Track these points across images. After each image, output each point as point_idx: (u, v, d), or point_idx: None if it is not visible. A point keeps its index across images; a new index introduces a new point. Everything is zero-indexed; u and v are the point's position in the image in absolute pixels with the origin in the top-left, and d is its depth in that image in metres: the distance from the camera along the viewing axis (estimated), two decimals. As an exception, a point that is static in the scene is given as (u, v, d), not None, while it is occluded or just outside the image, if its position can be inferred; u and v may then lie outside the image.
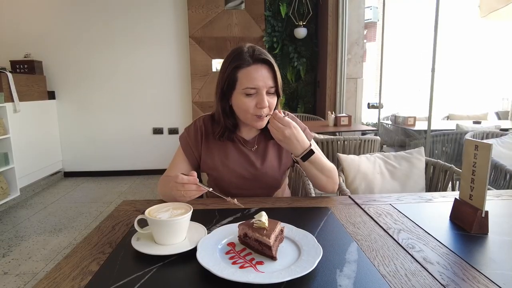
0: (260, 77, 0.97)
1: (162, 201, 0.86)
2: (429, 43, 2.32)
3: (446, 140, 2.79)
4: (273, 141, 1.12)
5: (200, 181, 1.16)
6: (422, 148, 1.54)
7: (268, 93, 0.99)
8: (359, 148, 2.26)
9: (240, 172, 1.08)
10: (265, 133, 1.11)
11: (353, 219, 0.86)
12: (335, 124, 3.21)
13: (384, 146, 3.72)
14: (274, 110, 1.08)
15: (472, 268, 0.61)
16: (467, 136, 2.44)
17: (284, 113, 1.15)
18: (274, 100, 1.02)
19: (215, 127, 1.09)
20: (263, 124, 1.02)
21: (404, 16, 7.64)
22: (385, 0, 3.34)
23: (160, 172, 1.10)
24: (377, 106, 3.70)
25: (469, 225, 0.77)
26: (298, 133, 0.93)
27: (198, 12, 3.92)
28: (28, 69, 3.65)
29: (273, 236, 0.64)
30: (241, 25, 4.00)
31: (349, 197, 1.04)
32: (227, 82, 1.00)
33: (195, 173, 0.86)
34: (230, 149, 1.10)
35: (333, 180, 1.04)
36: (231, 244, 0.70)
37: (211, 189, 0.86)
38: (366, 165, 1.49)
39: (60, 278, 0.60)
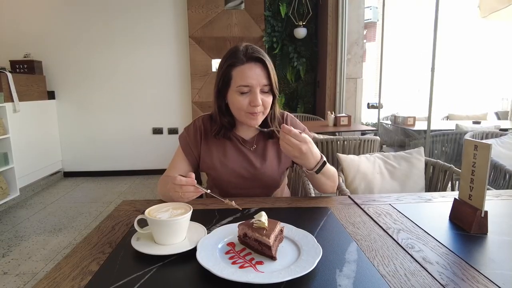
0: (253, 75, 0.97)
1: (162, 201, 0.86)
2: (428, 43, 2.32)
3: (445, 140, 2.79)
4: (272, 141, 1.12)
5: (200, 181, 1.16)
6: (422, 148, 1.54)
7: (262, 91, 1.00)
8: (359, 148, 2.27)
9: (239, 171, 1.08)
10: (265, 133, 1.11)
11: (352, 219, 0.86)
12: (335, 124, 3.22)
13: (384, 146, 3.72)
14: (275, 116, 1.09)
15: (472, 268, 0.62)
16: (467, 136, 2.44)
17: (283, 114, 1.16)
18: (269, 99, 1.02)
19: (214, 126, 1.10)
20: (257, 122, 1.02)
21: (404, 16, 7.64)
22: (385, 0, 3.34)
23: (160, 172, 1.10)
24: (377, 106, 3.71)
25: (468, 225, 0.77)
26: (313, 147, 0.91)
27: (198, 12, 3.92)
28: (27, 69, 3.65)
29: (272, 236, 0.64)
30: (241, 25, 4.00)
31: (349, 197, 1.04)
32: (222, 80, 1.02)
33: (193, 175, 0.86)
34: (229, 149, 1.10)
35: (335, 183, 1.05)
36: (231, 244, 0.70)
37: (209, 190, 0.86)
38: (366, 165, 1.49)
39: (60, 278, 0.60)
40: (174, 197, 0.85)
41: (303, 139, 0.87)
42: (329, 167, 1.00)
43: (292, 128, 0.86)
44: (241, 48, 1.01)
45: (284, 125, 0.87)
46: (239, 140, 1.11)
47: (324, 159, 0.95)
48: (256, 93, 0.98)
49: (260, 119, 1.03)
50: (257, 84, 0.98)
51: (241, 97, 0.99)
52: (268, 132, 1.10)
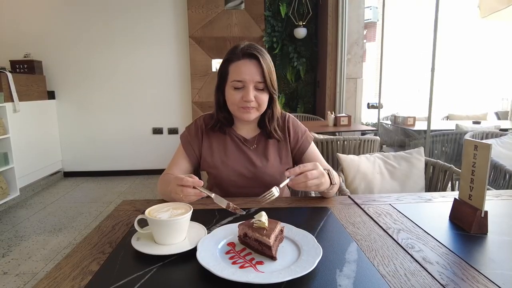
0: (247, 71, 0.99)
1: (162, 201, 0.86)
2: (428, 43, 2.32)
3: (445, 140, 2.79)
4: (272, 140, 1.13)
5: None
6: (422, 148, 1.54)
7: (257, 88, 1.01)
8: (359, 148, 2.26)
9: (240, 170, 1.09)
10: (265, 133, 1.12)
11: (352, 219, 0.86)
12: (335, 124, 3.22)
13: (384, 146, 3.73)
14: (274, 116, 1.09)
15: (472, 268, 0.62)
16: (467, 136, 2.44)
17: (284, 116, 1.16)
18: (263, 96, 1.03)
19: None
20: (249, 116, 1.03)
21: (404, 16, 7.64)
22: (385, 0, 3.34)
23: (160, 172, 1.11)
24: (377, 106, 3.71)
25: (468, 225, 0.77)
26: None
27: (198, 12, 3.92)
28: (28, 69, 3.65)
29: (273, 236, 0.64)
30: (241, 25, 4.00)
31: (349, 197, 1.04)
32: (219, 75, 1.06)
33: (196, 177, 0.86)
34: (230, 147, 1.11)
35: (338, 185, 1.06)
36: (231, 244, 0.70)
37: (213, 195, 0.84)
38: (366, 165, 1.49)
39: (60, 278, 0.60)
40: (176, 198, 0.85)
41: (314, 165, 0.86)
42: (334, 173, 1.01)
43: (299, 166, 0.84)
44: (241, 45, 1.03)
45: (290, 170, 0.85)
46: (240, 139, 1.12)
47: (328, 168, 0.96)
48: (248, 89, 1.00)
49: (254, 114, 1.04)
50: (251, 80, 0.99)
51: (235, 92, 1.01)
52: (268, 134, 1.11)
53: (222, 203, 0.83)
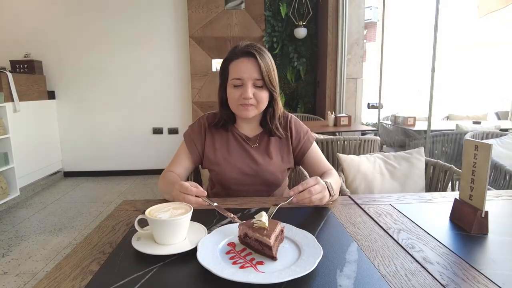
0: (245, 69, 1.01)
1: (162, 201, 0.86)
2: (429, 43, 2.32)
3: (446, 140, 2.79)
4: (274, 139, 1.13)
5: (200, 181, 1.15)
6: (422, 148, 1.54)
7: (256, 86, 1.02)
8: (359, 148, 2.26)
9: (242, 168, 1.10)
10: (267, 131, 1.13)
11: (353, 219, 0.86)
12: (335, 124, 3.22)
13: (384, 146, 3.72)
14: (275, 115, 1.10)
15: (472, 268, 0.62)
16: (467, 136, 2.44)
17: (287, 116, 1.16)
18: (262, 93, 1.03)
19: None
20: (248, 113, 1.04)
21: (404, 16, 7.64)
22: (385, 0, 3.34)
23: (160, 172, 1.11)
24: (377, 106, 3.71)
25: (469, 225, 0.77)
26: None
27: (198, 12, 3.92)
28: (28, 69, 3.65)
29: (273, 236, 0.64)
30: (241, 25, 4.00)
31: (349, 197, 1.04)
32: (221, 74, 1.08)
33: (200, 187, 0.85)
34: (233, 145, 1.13)
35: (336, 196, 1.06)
36: (231, 244, 0.70)
37: (215, 204, 0.84)
38: (366, 165, 1.49)
39: (61, 278, 0.60)
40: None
41: (315, 180, 0.86)
42: (334, 177, 1.01)
43: (302, 184, 0.84)
44: (240, 44, 1.05)
45: (294, 188, 0.84)
46: (242, 137, 1.13)
47: (330, 168, 1.01)
48: (247, 86, 1.01)
49: (252, 112, 1.05)
50: (249, 78, 1.01)
51: (234, 90, 1.03)
52: (270, 132, 1.11)
53: (223, 212, 0.83)
